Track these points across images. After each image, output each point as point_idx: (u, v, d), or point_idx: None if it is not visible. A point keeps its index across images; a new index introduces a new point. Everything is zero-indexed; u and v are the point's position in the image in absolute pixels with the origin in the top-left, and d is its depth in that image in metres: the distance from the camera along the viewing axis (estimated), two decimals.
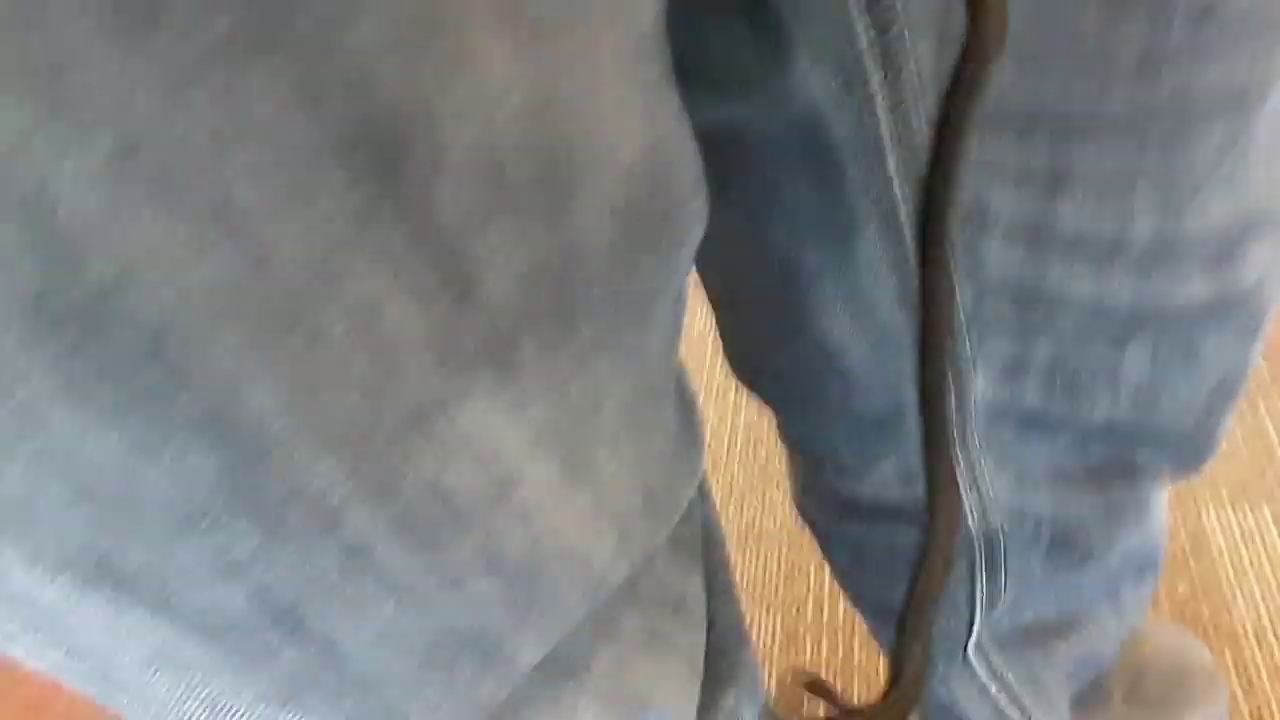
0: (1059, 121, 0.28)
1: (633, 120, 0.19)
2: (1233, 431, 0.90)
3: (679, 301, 0.27)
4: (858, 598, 0.50)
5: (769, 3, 0.26)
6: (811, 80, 0.27)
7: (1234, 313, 0.35)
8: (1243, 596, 0.79)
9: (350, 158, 0.15)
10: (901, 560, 0.45)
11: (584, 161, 0.18)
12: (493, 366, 0.19)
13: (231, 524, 0.17)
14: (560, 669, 0.27)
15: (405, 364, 0.17)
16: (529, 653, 0.24)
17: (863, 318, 0.34)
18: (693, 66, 0.30)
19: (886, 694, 0.30)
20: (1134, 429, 0.38)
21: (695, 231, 0.25)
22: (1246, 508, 0.85)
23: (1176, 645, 0.61)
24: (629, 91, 0.19)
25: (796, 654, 0.79)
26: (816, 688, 0.31)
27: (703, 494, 0.37)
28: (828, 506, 0.45)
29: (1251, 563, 0.81)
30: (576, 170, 0.18)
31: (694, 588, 0.32)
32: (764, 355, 0.39)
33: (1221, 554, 0.82)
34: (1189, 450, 0.40)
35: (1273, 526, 0.83)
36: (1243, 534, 0.83)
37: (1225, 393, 0.39)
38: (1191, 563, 0.82)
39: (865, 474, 0.40)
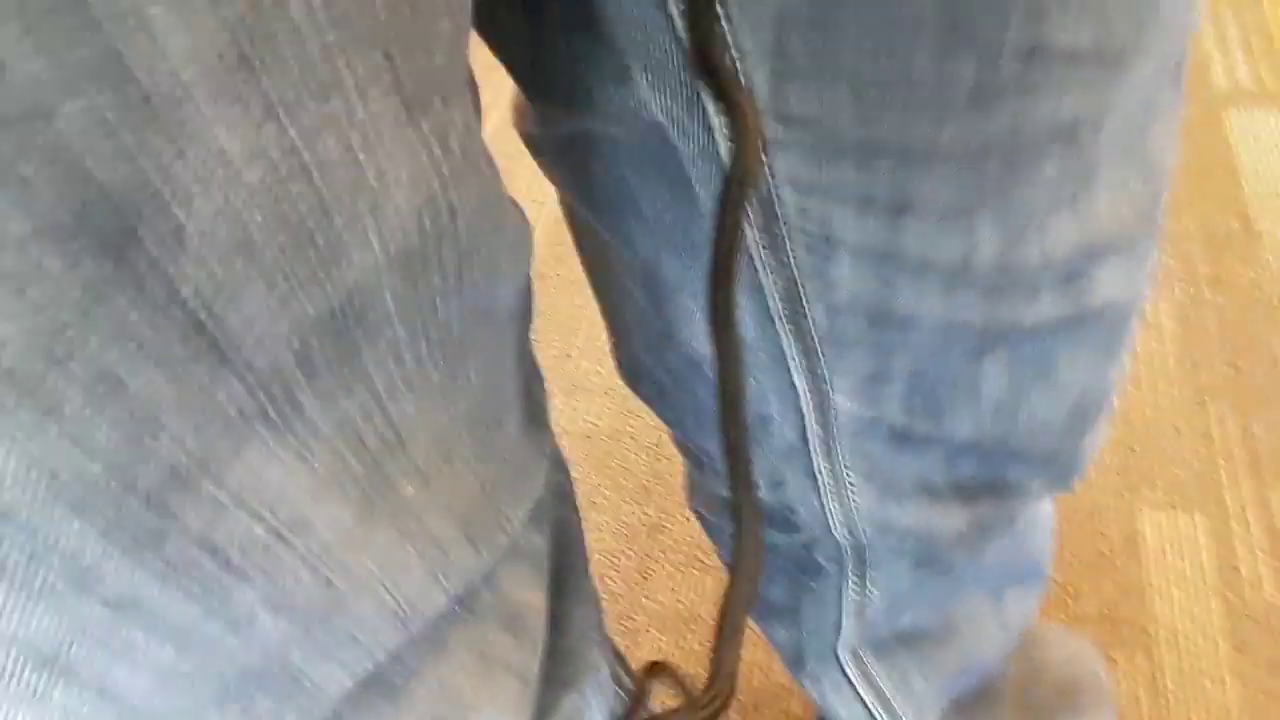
0: (898, 151, 0.28)
1: (406, 172, 0.19)
2: (1178, 435, 0.90)
3: (511, 328, 0.27)
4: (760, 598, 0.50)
5: (609, 24, 0.26)
6: (652, 101, 0.27)
7: (1087, 331, 0.36)
8: (1163, 601, 0.80)
9: (68, 243, 0.15)
10: (776, 561, 0.45)
11: (348, 222, 0.18)
12: (266, 424, 0.19)
13: None
14: (379, 692, 0.27)
15: (156, 431, 0.17)
16: (335, 684, 0.25)
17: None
18: (541, 80, 0.30)
19: (705, 690, 0.30)
20: (998, 446, 0.39)
21: (510, 264, 0.25)
22: (1181, 513, 0.85)
23: (1071, 654, 0.62)
24: (398, 146, 0.19)
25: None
26: (662, 673, 0.32)
27: (560, 496, 0.38)
28: (709, 504, 0.45)
29: (1179, 569, 0.82)
30: (340, 231, 0.18)
31: (535, 601, 0.32)
32: (640, 360, 0.39)
33: (1150, 557, 0.83)
34: (1055, 468, 0.41)
35: (1203, 534, 0.83)
36: (1175, 539, 0.84)
37: (1086, 411, 0.39)
38: (1120, 563, 0.83)
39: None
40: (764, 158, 0.27)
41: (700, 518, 0.48)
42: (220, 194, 0.16)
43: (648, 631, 0.84)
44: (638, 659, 0.83)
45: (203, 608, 0.20)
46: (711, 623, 0.83)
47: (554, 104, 0.29)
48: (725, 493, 0.43)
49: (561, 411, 1.00)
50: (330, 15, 0.16)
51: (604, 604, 0.87)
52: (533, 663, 0.31)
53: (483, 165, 0.22)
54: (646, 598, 0.87)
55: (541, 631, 0.32)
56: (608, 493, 0.94)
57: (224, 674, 0.21)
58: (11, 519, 0.17)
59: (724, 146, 0.28)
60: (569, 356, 1.05)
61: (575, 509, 0.39)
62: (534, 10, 0.27)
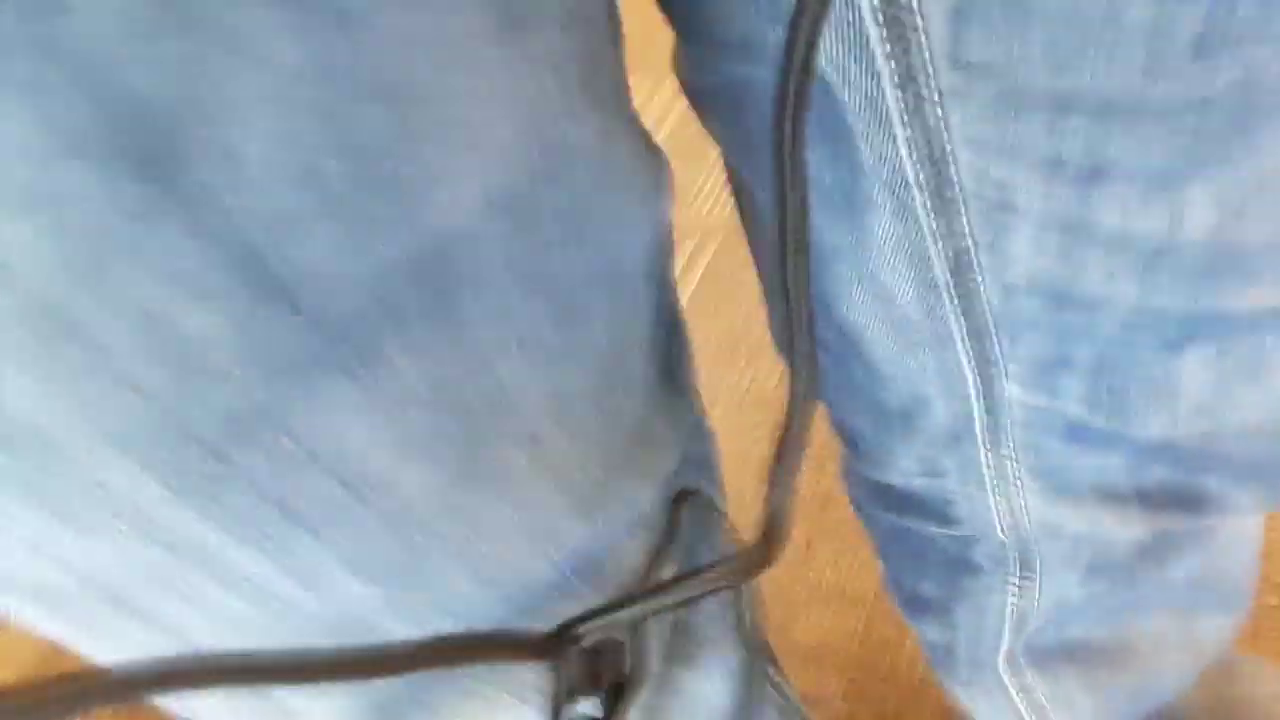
0: (1098, 107, 0.24)
1: (510, 100, 0.18)
2: None
3: (645, 287, 0.25)
4: (892, 581, 0.47)
5: None
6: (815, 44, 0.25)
7: None
8: None
9: (106, 163, 0.14)
10: (933, 554, 0.42)
11: (438, 154, 0.17)
12: (346, 376, 0.18)
13: (25, 515, 0.17)
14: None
15: (214, 376, 0.17)
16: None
17: (881, 304, 0.31)
18: (694, 23, 0.28)
19: (760, 544, 0.28)
20: (1197, 451, 0.34)
21: (642, 214, 0.23)
22: None
23: (1276, 691, 0.55)
24: (501, 71, 0.17)
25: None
26: (695, 502, 0.30)
27: (701, 468, 0.36)
28: (861, 489, 0.43)
29: None
30: (428, 164, 0.17)
31: (658, 576, 0.31)
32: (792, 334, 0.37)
33: None
34: (1265, 480, 0.35)
35: None
36: None
37: None
38: None
39: (890, 463, 0.37)
40: None
41: (855, 505, 0.45)
42: (281, 114, 0.15)
43: (808, 606, 0.81)
44: (795, 636, 0.81)
45: (273, 562, 0.19)
46: (879, 601, 0.80)
47: (710, 47, 0.27)
48: (878, 476, 0.40)
49: (741, 375, 0.98)
50: None
51: (764, 575, 0.86)
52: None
53: (610, 101, 0.21)
54: (812, 572, 0.84)
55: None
56: None
57: (301, 629, 0.21)
58: (63, 456, 0.17)
59: (892, 96, 0.25)
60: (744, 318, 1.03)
61: (718, 483, 0.37)
62: None
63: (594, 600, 0.28)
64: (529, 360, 0.21)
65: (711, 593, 0.27)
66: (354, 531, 0.20)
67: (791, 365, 0.25)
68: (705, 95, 0.31)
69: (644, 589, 0.32)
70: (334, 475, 0.19)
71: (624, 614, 0.27)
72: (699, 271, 1.09)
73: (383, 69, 0.15)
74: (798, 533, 0.87)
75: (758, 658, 0.42)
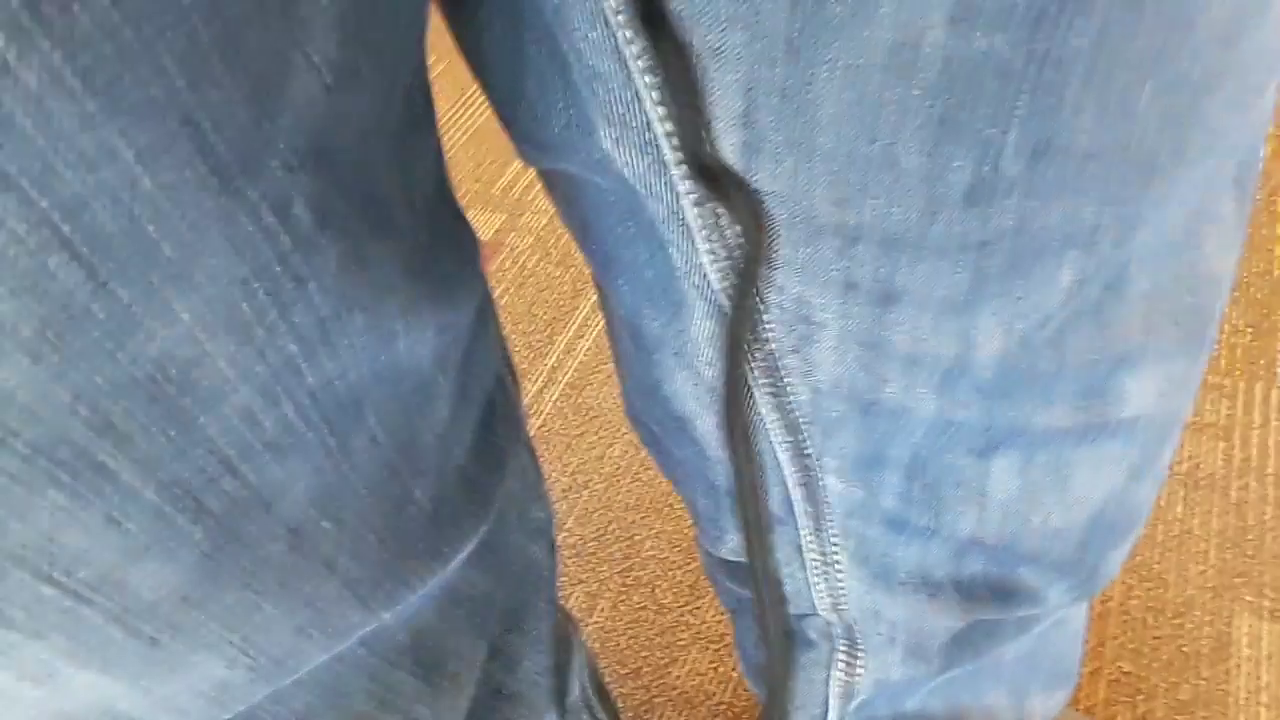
0: (883, 240, 0.26)
1: (222, 242, 0.18)
2: None
3: (443, 380, 0.26)
4: (738, 647, 0.48)
5: (573, 75, 0.24)
6: (617, 156, 0.26)
7: (1112, 443, 0.32)
8: (1247, 718, 0.73)
9: None
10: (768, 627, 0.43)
11: (138, 295, 0.17)
12: (52, 485, 0.18)
13: None
14: None
15: None
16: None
17: (703, 392, 0.32)
18: (518, 121, 0.28)
19: None
20: (1006, 548, 0.35)
21: (407, 320, 0.23)
22: None
23: None
24: (208, 217, 0.17)
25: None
26: None
27: (534, 534, 0.37)
28: (707, 559, 0.44)
29: (1270, 683, 0.74)
30: (127, 304, 0.17)
31: (462, 647, 0.31)
32: (635, 406, 0.38)
33: (1240, 668, 0.76)
34: (1073, 578, 0.37)
35: None
36: (1272, 651, 0.76)
37: (1107, 526, 0.35)
38: (1204, 668, 0.76)
39: (723, 539, 0.38)
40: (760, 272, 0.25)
41: (707, 572, 0.46)
42: None
43: (688, 649, 0.82)
44: (677, 677, 0.82)
45: None
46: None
47: (530, 144, 0.28)
48: (713, 550, 0.41)
49: None
50: (88, 84, 0.15)
51: (649, 616, 0.86)
52: (448, 712, 0.30)
53: (361, 225, 0.21)
54: (693, 615, 0.85)
55: (466, 679, 0.31)
56: (675, 502, 0.92)
57: (33, 719, 0.21)
58: None
59: (691, 213, 0.26)
60: None
61: (551, 548, 0.38)
62: (512, 48, 0.26)
63: (390, 675, 0.29)
64: (283, 460, 0.21)
65: None
66: (78, 630, 0.20)
67: (768, 648, 0.26)
68: (543, 177, 0.32)
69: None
70: (45, 580, 0.19)
71: None
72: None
73: (62, 224, 0.16)
74: (682, 575, 0.88)
75: (586, 718, 0.43)
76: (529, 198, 1.23)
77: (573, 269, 1.14)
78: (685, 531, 0.90)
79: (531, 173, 1.26)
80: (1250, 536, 0.82)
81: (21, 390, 0.17)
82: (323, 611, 0.24)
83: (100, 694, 0.21)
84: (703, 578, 0.88)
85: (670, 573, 0.88)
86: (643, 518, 0.92)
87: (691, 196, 0.26)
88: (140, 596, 0.20)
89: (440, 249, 0.24)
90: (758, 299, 0.28)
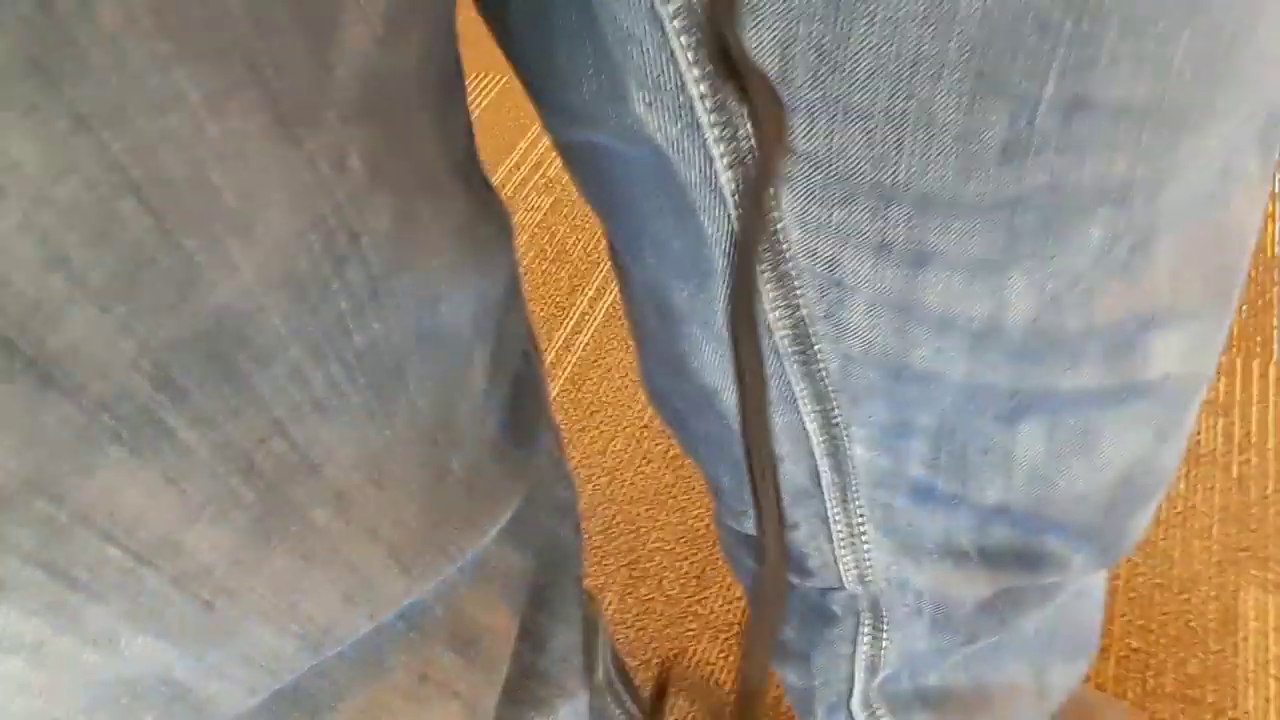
0: (917, 199, 0.26)
1: (282, 193, 0.18)
2: None
3: (477, 347, 0.26)
4: None
5: (607, 38, 0.24)
6: (650, 122, 0.26)
7: (1138, 405, 0.32)
8: (1256, 692, 0.73)
9: None
10: (793, 605, 0.43)
11: (202, 245, 0.17)
12: (119, 446, 0.18)
13: None
14: (297, 709, 0.26)
15: None
16: (231, 702, 0.24)
17: (730, 365, 0.32)
18: (542, 92, 0.28)
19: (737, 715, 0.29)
20: (1032, 514, 0.35)
21: (461, 286, 0.23)
22: None
23: None
24: (269, 166, 0.17)
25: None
26: (681, 681, 0.31)
27: (559, 512, 0.37)
28: (728, 536, 0.44)
29: (1278, 655, 0.75)
30: (191, 254, 0.17)
31: (498, 623, 0.31)
32: (657, 384, 0.38)
33: (1247, 640, 0.76)
34: (1098, 543, 0.37)
35: None
36: (1279, 623, 0.77)
37: (1133, 489, 0.35)
38: (1211, 643, 0.77)
39: (747, 514, 0.38)
40: (788, 152, 0.24)
41: (725, 550, 0.46)
42: (19, 209, 0.15)
43: (698, 639, 0.82)
44: (686, 667, 0.82)
45: (48, 624, 0.19)
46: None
47: (560, 114, 0.28)
48: (736, 526, 0.41)
49: (644, 405, 0.99)
50: (162, 24, 0.15)
51: (657, 608, 0.86)
52: (485, 688, 0.30)
53: (412, 181, 0.21)
54: (701, 605, 0.85)
55: (503, 655, 0.31)
56: (679, 494, 0.93)
57: (89, 686, 0.21)
58: None
59: (725, 176, 0.26)
60: None
61: (576, 527, 0.38)
62: (540, 15, 0.26)
63: (429, 649, 0.29)
64: (330, 423, 0.21)
65: None
66: (138, 593, 0.20)
67: (760, 534, 0.26)
68: (565, 151, 0.32)
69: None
70: (109, 540, 0.19)
71: None
72: (605, 302, 1.10)
73: (132, 168, 0.16)
74: (689, 565, 0.88)
75: (609, 697, 0.43)
76: (523, 194, 1.23)
77: (568, 265, 1.14)
78: (690, 523, 0.90)
79: (526, 169, 1.26)
80: (1253, 511, 0.83)
81: (89, 342, 0.16)
82: (368, 580, 0.24)
83: (156, 660, 0.21)
84: (710, 568, 0.88)
85: (677, 564, 0.88)
86: (647, 510, 0.92)
87: (725, 159, 0.26)
88: (196, 559, 0.20)
89: (478, 214, 0.24)
90: (789, 263, 0.28)
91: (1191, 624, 0.78)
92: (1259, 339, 0.93)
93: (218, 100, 0.16)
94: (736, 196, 0.27)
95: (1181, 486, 0.85)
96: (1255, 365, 0.91)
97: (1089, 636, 0.49)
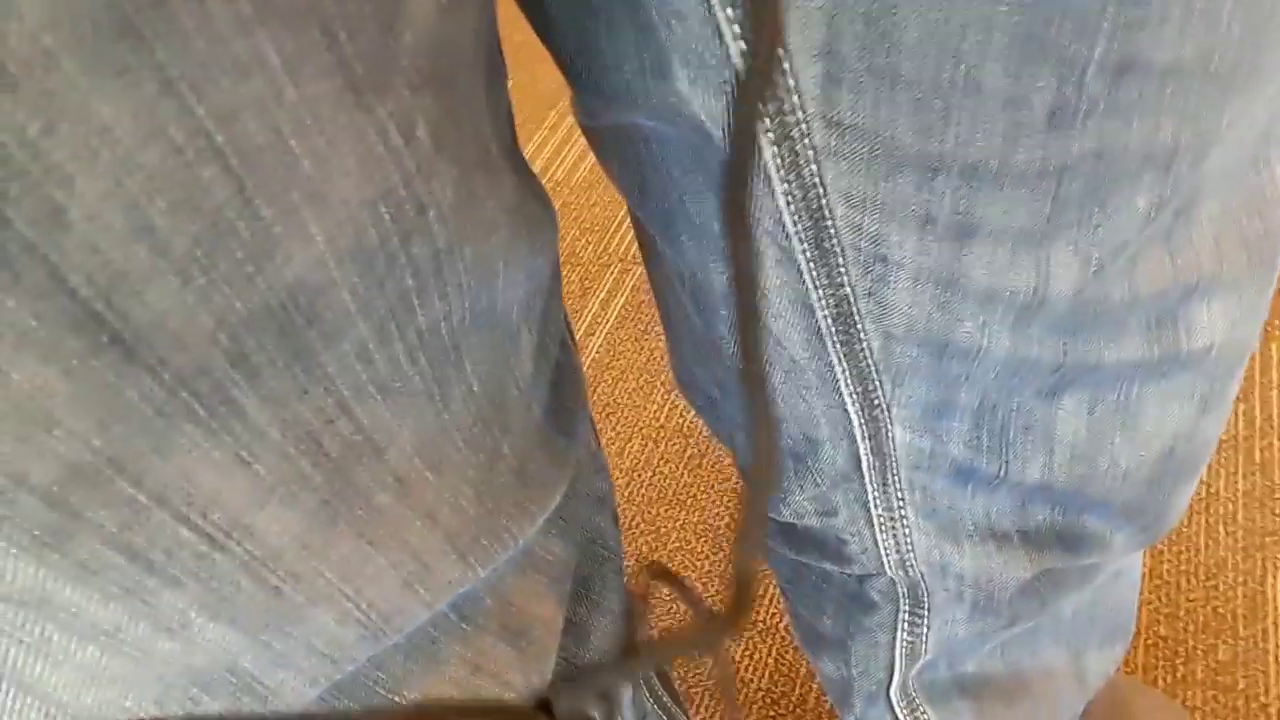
0: (964, 169, 0.25)
1: (354, 161, 0.18)
2: None
3: (526, 331, 0.25)
4: (793, 616, 0.48)
5: (651, 14, 0.24)
6: (693, 99, 0.25)
7: (1181, 377, 0.32)
8: None
9: None
10: (830, 591, 0.43)
11: (279, 213, 0.17)
12: (195, 424, 0.18)
13: None
14: (355, 699, 0.26)
15: (50, 426, 0.16)
16: (294, 692, 0.23)
17: (770, 348, 0.32)
18: (581, 74, 0.28)
19: (728, 607, 0.28)
20: (1074, 492, 0.35)
21: (516, 264, 0.23)
22: None
23: (1157, 715, 0.57)
24: (343, 133, 0.17)
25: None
26: (663, 576, 0.30)
27: (598, 503, 0.36)
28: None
29: None
30: (269, 223, 0.17)
31: (547, 613, 0.31)
32: (690, 370, 0.38)
33: (1277, 626, 0.76)
34: (1139, 521, 0.37)
35: None
36: None
37: (1176, 463, 0.35)
38: (1241, 628, 0.76)
39: (786, 501, 0.38)
40: (781, 55, 0.23)
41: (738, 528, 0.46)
42: (109, 175, 0.15)
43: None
44: (706, 667, 0.82)
45: (126, 610, 0.19)
46: (786, 637, 0.81)
47: (598, 95, 0.28)
48: (771, 514, 0.41)
49: (660, 407, 0.98)
50: None
51: (679, 607, 0.86)
52: (536, 679, 0.30)
53: (472, 154, 0.21)
54: (722, 604, 0.85)
55: (551, 645, 0.31)
56: (697, 493, 0.92)
57: (161, 676, 0.21)
58: None
59: (769, 151, 0.26)
60: None
61: (614, 519, 0.38)
62: None
63: (481, 640, 0.28)
64: (392, 404, 0.21)
65: (677, 656, 0.27)
66: (211, 577, 0.20)
67: (750, 428, 0.26)
68: (598, 137, 0.31)
69: (615, 657, 0.33)
70: (184, 522, 0.19)
71: (599, 681, 0.28)
72: (617, 304, 1.10)
73: (216, 133, 0.15)
74: (711, 565, 0.88)
75: (647, 693, 0.42)
76: None
77: (579, 268, 1.14)
78: (710, 521, 0.90)
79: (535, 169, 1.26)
80: (1277, 495, 0.82)
81: (170, 315, 0.16)
82: (427, 565, 0.24)
83: (225, 648, 0.21)
84: (731, 565, 0.87)
85: (698, 562, 0.88)
86: (666, 510, 0.92)
87: (770, 135, 0.25)
88: (266, 543, 0.20)
89: (527, 195, 0.24)
90: (833, 239, 0.28)
91: (1219, 610, 0.77)
92: (1277, 322, 0.93)
93: (295, 64, 0.16)
94: (781, 173, 0.26)
95: (1203, 472, 0.84)
96: (1274, 348, 0.91)
97: (1126, 620, 0.48)
